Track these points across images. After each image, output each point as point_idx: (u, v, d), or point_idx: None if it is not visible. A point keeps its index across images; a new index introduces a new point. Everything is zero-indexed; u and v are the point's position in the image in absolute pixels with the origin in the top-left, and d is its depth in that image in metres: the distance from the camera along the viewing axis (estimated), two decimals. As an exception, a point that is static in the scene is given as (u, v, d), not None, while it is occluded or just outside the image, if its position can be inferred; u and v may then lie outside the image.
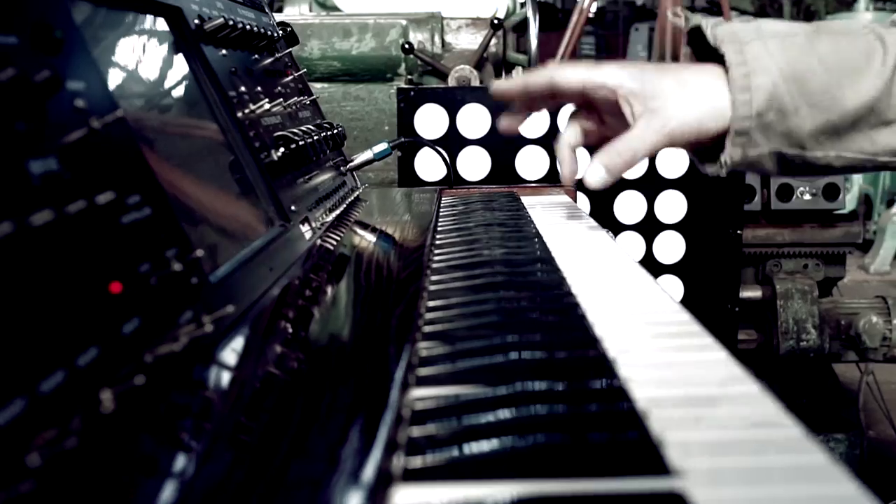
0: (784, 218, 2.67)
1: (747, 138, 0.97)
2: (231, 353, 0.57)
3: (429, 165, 2.20)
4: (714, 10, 10.69)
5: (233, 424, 0.48)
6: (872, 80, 0.95)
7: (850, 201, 3.50)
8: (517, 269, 0.81)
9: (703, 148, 1.05)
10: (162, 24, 0.81)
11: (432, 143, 1.79)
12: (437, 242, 0.97)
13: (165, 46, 0.81)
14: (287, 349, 0.61)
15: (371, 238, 1.06)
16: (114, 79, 0.65)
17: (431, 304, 0.69)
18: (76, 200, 0.46)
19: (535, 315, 0.65)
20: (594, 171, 1.01)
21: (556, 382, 0.50)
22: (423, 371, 0.53)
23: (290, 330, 0.65)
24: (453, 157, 2.22)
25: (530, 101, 1.11)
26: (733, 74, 0.96)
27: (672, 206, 2.16)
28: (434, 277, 0.79)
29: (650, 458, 0.42)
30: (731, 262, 2.24)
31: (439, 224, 1.12)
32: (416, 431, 0.45)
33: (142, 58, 0.74)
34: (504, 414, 0.46)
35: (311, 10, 4.16)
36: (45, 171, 0.45)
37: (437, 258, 0.88)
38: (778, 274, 2.66)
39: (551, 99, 1.09)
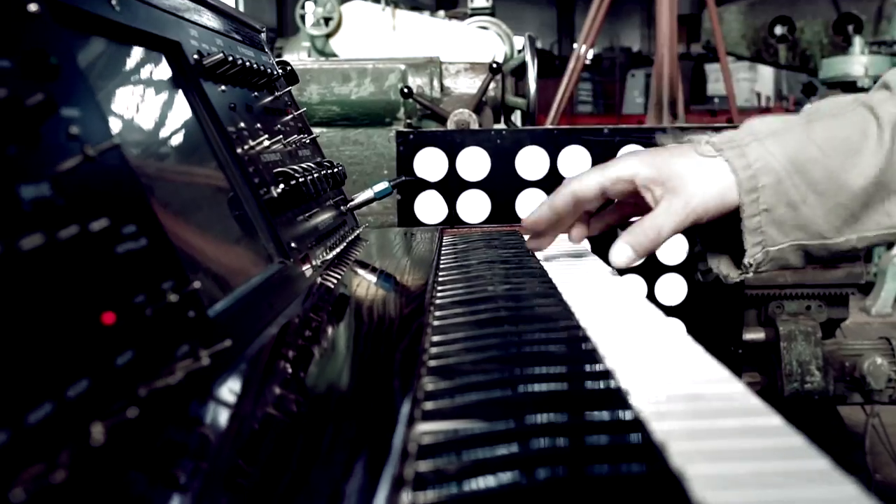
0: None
1: (763, 236, 0.97)
2: (229, 389, 0.55)
3: (429, 208, 2.19)
4: (710, 56, 10.80)
5: (230, 462, 0.46)
6: (873, 154, 0.95)
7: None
8: (522, 304, 0.79)
9: (720, 249, 1.06)
10: (161, 59, 0.80)
11: (433, 183, 1.78)
12: (440, 279, 0.95)
13: (164, 80, 0.80)
14: (288, 385, 0.58)
15: (373, 275, 1.04)
16: (111, 109, 0.64)
17: (436, 338, 0.67)
18: (69, 227, 0.44)
19: (543, 349, 0.63)
20: (619, 251, 1.01)
21: (568, 415, 0.48)
22: (429, 405, 0.51)
23: (292, 366, 0.63)
24: (453, 200, 2.21)
25: (559, 223, 1.12)
26: (740, 178, 0.96)
27: (673, 248, 2.15)
28: (438, 313, 0.77)
29: (671, 492, 0.40)
30: (734, 304, 2.23)
31: (441, 262, 1.10)
32: (423, 466, 0.42)
33: (140, 90, 0.73)
34: (515, 448, 0.44)
35: (309, 56, 4.18)
36: (36, 196, 0.43)
37: (440, 294, 0.87)
38: (780, 315, 2.63)
39: (577, 212, 1.10)
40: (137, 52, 0.75)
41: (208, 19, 0.97)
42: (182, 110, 0.81)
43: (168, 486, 0.42)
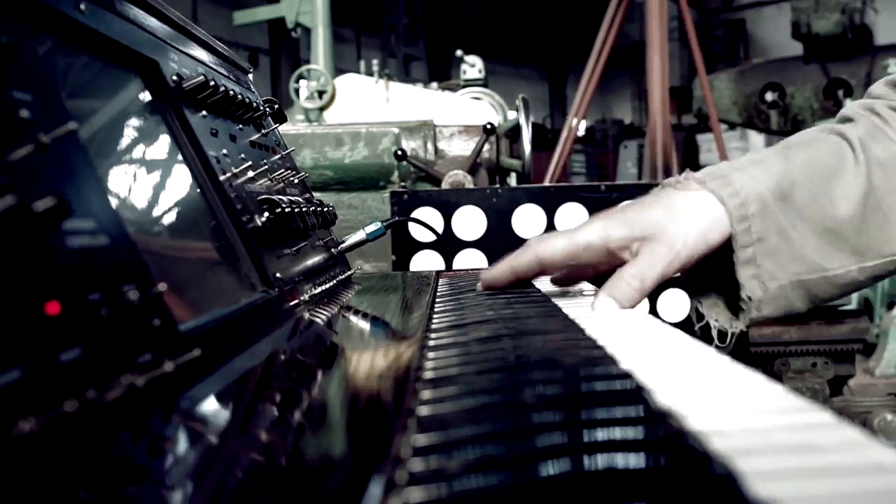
0: (789, 315, 2.62)
1: (758, 269, 0.92)
2: (199, 403, 0.49)
3: (425, 268, 2.14)
4: (702, 126, 10.90)
5: (198, 479, 0.39)
6: (854, 176, 0.92)
7: (853, 298, 3.44)
8: (527, 320, 0.73)
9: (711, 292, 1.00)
10: (133, 75, 0.76)
11: (428, 224, 1.72)
12: (437, 309, 0.89)
13: (135, 95, 0.75)
14: (264, 401, 0.52)
15: (365, 309, 0.98)
16: (70, 107, 0.59)
17: (432, 355, 0.60)
18: (4, 203, 0.38)
19: (553, 357, 0.57)
20: (602, 304, 0.89)
21: (587, 412, 0.42)
22: (424, 410, 0.44)
23: (270, 383, 0.56)
24: (449, 259, 2.16)
25: (521, 283, 1.03)
26: (729, 206, 0.91)
27: (675, 304, 2.09)
28: (434, 335, 0.70)
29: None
30: (739, 362, 2.15)
31: (438, 293, 1.04)
32: (418, 465, 0.36)
33: (106, 97, 0.69)
34: (532, 445, 0.38)
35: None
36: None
37: (437, 319, 0.80)
38: (787, 373, 2.58)
39: (542, 274, 1.02)
40: (106, 62, 0.71)
41: (191, 47, 0.93)
42: (154, 127, 0.76)
43: (111, 497, 0.35)
